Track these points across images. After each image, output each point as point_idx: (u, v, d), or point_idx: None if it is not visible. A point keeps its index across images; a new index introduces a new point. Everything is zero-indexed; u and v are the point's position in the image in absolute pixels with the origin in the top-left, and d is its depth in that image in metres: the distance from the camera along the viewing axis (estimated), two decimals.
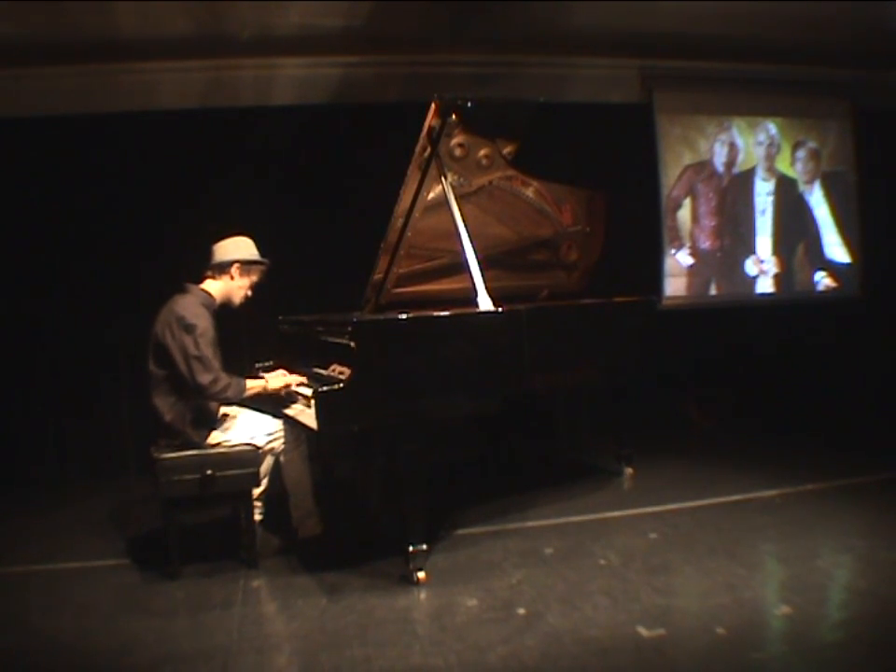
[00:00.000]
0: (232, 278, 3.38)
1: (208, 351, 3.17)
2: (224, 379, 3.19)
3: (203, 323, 3.21)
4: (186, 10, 4.36)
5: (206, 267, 3.39)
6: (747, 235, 6.08)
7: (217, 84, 5.06)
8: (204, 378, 3.13)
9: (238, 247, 3.39)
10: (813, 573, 2.90)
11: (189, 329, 3.16)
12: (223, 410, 3.44)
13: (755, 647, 2.37)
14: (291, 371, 3.54)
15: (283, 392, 3.42)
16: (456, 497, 4.11)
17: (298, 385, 3.41)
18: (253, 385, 3.32)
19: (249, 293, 3.46)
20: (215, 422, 3.30)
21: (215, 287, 3.38)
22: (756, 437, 5.41)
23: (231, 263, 3.36)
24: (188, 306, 3.24)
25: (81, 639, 2.66)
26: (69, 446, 4.99)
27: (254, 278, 3.44)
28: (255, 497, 3.36)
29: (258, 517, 3.39)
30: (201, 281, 3.39)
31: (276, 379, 3.43)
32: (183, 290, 3.34)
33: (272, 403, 3.49)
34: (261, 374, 3.57)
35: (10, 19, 4.18)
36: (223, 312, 3.47)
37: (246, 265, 3.39)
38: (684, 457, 4.84)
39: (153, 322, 3.28)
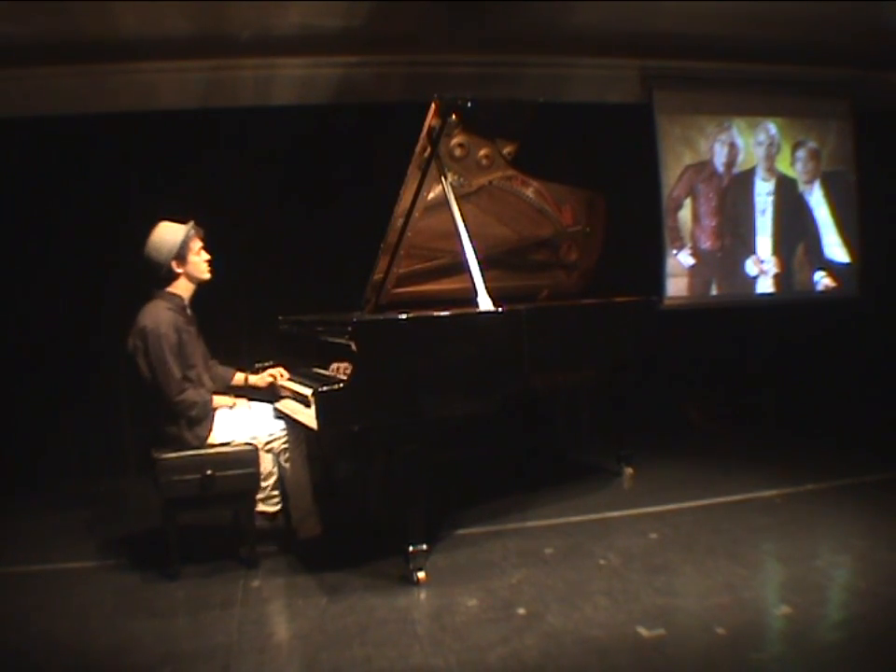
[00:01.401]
0: (180, 274, 3.29)
1: (171, 361, 3.14)
2: (191, 395, 3.17)
3: (166, 330, 3.16)
4: (186, 10, 4.36)
5: (156, 277, 3.29)
6: (747, 235, 6.08)
7: (217, 84, 5.05)
8: (171, 393, 3.14)
9: (161, 248, 3.22)
10: (813, 573, 2.91)
11: (150, 339, 3.13)
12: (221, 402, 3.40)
13: (755, 647, 2.37)
14: (291, 371, 3.57)
15: (265, 385, 3.48)
16: (456, 497, 4.11)
17: (286, 380, 3.46)
18: (221, 402, 3.33)
19: (206, 258, 3.34)
20: (211, 425, 3.28)
21: (178, 285, 3.32)
22: (756, 437, 5.41)
23: (168, 265, 3.24)
24: (150, 316, 3.20)
25: (81, 640, 2.65)
26: (68, 446, 4.98)
27: (195, 245, 3.29)
28: (270, 486, 3.42)
29: (274, 508, 3.45)
30: (164, 286, 3.31)
31: (260, 378, 3.50)
32: (149, 298, 3.29)
33: (272, 401, 3.50)
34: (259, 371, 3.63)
35: (10, 19, 4.18)
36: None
37: (180, 254, 3.25)
38: (684, 457, 4.84)
39: (126, 338, 3.25)
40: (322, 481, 3.95)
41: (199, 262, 3.32)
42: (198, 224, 3.34)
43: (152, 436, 3.28)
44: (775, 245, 6.11)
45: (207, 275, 3.37)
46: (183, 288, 3.34)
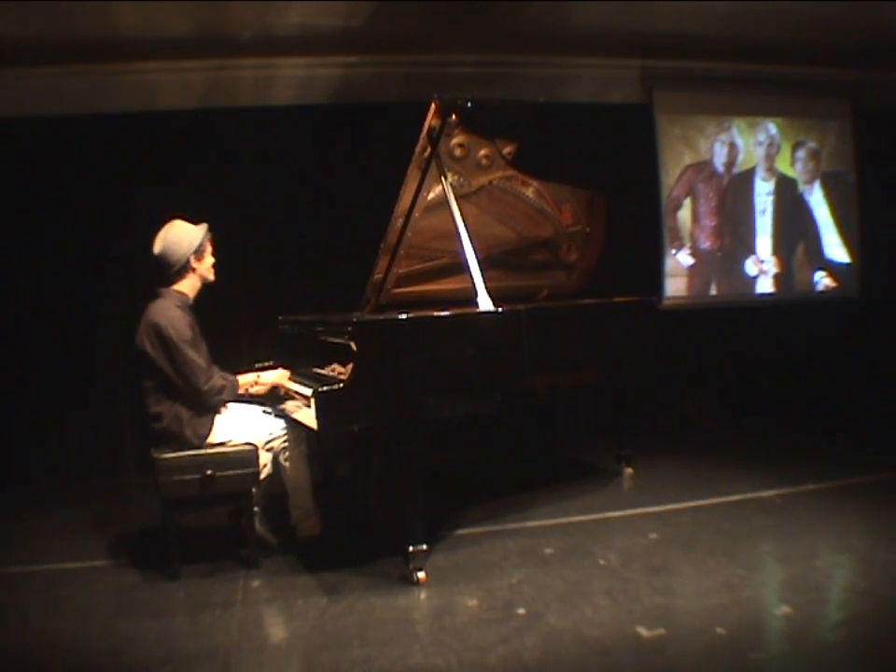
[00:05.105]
0: (193, 271, 3.34)
1: (192, 354, 3.17)
2: (218, 381, 3.21)
3: (180, 326, 3.19)
4: (186, 10, 4.36)
5: (168, 273, 3.31)
6: (747, 235, 6.08)
7: (217, 84, 5.05)
8: (198, 383, 3.15)
9: (181, 243, 3.27)
10: (813, 573, 2.91)
11: (167, 336, 3.15)
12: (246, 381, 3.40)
13: (755, 647, 2.36)
14: (291, 372, 3.55)
15: (273, 388, 3.43)
16: (456, 497, 4.11)
17: (291, 380, 3.43)
18: (245, 381, 3.35)
19: (213, 260, 3.41)
20: (211, 424, 3.28)
21: (186, 283, 3.35)
22: (756, 437, 5.41)
23: (186, 261, 3.29)
24: (161, 312, 3.22)
25: (81, 640, 2.65)
26: (68, 446, 4.98)
27: (209, 248, 3.39)
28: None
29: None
30: (171, 283, 3.33)
31: (269, 374, 3.45)
32: (156, 296, 3.32)
33: (272, 401, 3.49)
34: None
35: (10, 19, 4.18)
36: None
37: (198, 251, 3.32)
38: (684, 457, 4.84)
39: (134, 334, 3.26)
40: (322, 481, 3.95)
41: (210, 263, 3.40)
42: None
43: (151, 435, 3.27)
44: (775, 244, 6.11)
45: (213, 277, 3.43)
46: (189, 287, 3.37)
